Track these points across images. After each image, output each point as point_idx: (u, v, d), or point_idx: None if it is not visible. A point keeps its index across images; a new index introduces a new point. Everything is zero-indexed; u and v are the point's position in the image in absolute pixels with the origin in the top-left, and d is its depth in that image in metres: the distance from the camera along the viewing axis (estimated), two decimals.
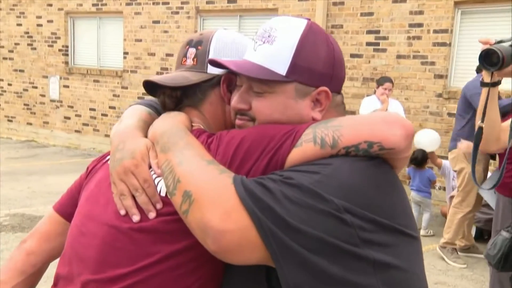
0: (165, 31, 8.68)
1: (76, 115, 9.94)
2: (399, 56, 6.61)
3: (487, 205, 4.52)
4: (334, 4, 7.01)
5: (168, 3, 8.61)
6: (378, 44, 6.74)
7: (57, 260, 1.09)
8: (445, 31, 6.31)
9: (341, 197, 0.81)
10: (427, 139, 4.95)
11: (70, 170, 7.50)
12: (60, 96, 10.09)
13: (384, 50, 6.70)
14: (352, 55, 6.89)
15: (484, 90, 1.88)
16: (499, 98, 2.67)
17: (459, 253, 4.47)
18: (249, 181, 0.83)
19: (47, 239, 1.16)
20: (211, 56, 1.06)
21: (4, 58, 10.77)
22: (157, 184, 0.94)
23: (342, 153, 0.87)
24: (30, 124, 10.61)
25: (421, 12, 6.43)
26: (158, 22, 8.75)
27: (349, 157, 0.87)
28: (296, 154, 0.87)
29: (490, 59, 1.71)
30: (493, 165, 4.96)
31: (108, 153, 1.07)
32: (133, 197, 0.94)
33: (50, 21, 10.03)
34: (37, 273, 1.17)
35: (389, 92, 5.36)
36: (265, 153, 0.88)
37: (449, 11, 6.26)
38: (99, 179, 1.04)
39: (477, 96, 3.14)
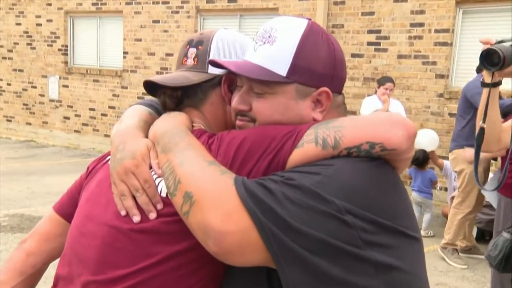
0: (165, 31, 8.68)
1: (76, 115, 9.94)
2: (400, 56, 6.60)
3: (488, 206, 4.52)
4: (335, 3, 7.01)
5: (168, 3, 8.61)
6: (379, 43, 6.74)
7: (57, 261, 1.09)
8: (446, 30, 6.30)
9: (342, 198, 0.80)
10: (426, 139, 4.95)
11: (70, 170, 7.50)
12: (59, 96, 10.08)
13: (385, 50, 6.70)
14: (353, 55, 6.89)
15: (485, 91, 1.88)
16: (500, 98, 2.67)
17: (460, 254, 4.47)
18: (250, 182, 0.82)
19: (46, 240, 1.16)
20: (212, 56, 1.06)
21: (3, 58, 10.77)
22: (158, 184, 0.93)
23: (344, 154, 0.86)
24: (29, 124, 10.61)
25: (422, 12, 6.42)
26: (158, 21, 8.75)
27: (350, 158, 0.86)
28: (298, 155, 0.87)
29: (491, 59, 1.70)
30: (495, 165, 4.96)
31: (108, 153, 1.07)
32: (134, 197, 0.93)
33: (49, 21, 10.03)
34: (37, 274, 1.17)
35: (390, 92, 5.36)
36: (266, 154, 0.88)
37: (451, 11, 6.26)
38: (100, 180, 1.04)
39: (478, 96, 3.13)
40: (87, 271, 0.94)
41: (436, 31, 6.35)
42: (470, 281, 4.06)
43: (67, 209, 1.15)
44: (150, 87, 1.10)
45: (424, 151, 5.10)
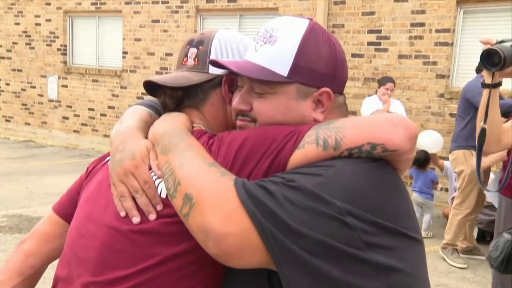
0: (165, 31, 8.68)
1: (75, 115, 9.93)
2: (400, 56, 6.60)
3: (489, 207, 4.52)
4: (335, 3, 7.01)
5: (167, 2, 8.60)
6: (379, 43, 6.73)
7: (56, 262, 1.08)
8: (447, 30, 6.30)
9: (343, 199, 0.80)
10: (430, 140, 4.93)
11: (69, 171, 7.49)
12: (58, 96, 10.07)
13: (385, 50, 6.70)
14: (353, 55, 6.88)
15: (486, 92, 1.87)
16: (501, 98, 2.67)
17: (461, 254, 4.47)
18: (250, 184, 0.82)
19: (46, 240, 1.16)
20: (213, 56, 1.05)
21: (2, 58, 10.77)
22: (158, 185, 0.93)
23: (345, 155, 0.86)
24: (28, 124, 10.60)
25: (423, 12, 6.42)
26: (157, 21, 8.74)
27: (351, 159, 0.86)
28: (298, 156, 0.86)
29: (491, 59, 1.70)
30: (495, 165, 4.95)
31: (108, 154, 1.07)
32: (133, 198, 0.93)
33: (48, 20, 10.02)
34: (36, 274, 1.17)
35: (390, 92, 5.35)
36: (266, 155, 0.87)
37: (451, 11, 6.25)
38: (99, 180, 1.03)
39: (479, 96, 3.13)
40: (87, 272, 0.94)
41: (437, 31, 6.35)
42: (471, 282, 4.06)
43: (66, 209, 1.14)
44: (150, 87, 1.09)
45: (425, 152, 5.09)
